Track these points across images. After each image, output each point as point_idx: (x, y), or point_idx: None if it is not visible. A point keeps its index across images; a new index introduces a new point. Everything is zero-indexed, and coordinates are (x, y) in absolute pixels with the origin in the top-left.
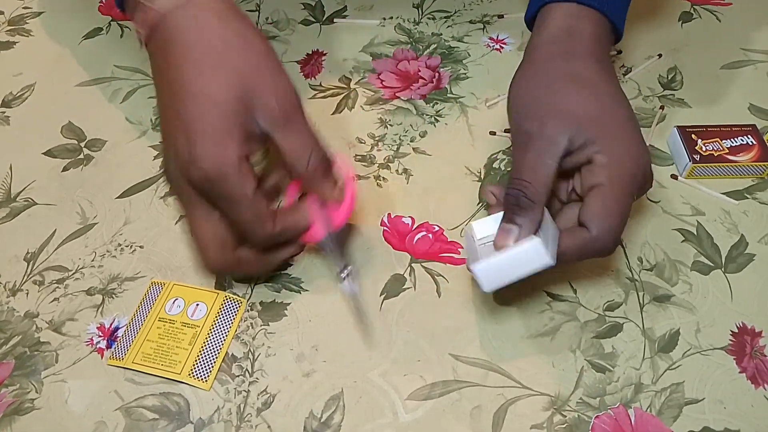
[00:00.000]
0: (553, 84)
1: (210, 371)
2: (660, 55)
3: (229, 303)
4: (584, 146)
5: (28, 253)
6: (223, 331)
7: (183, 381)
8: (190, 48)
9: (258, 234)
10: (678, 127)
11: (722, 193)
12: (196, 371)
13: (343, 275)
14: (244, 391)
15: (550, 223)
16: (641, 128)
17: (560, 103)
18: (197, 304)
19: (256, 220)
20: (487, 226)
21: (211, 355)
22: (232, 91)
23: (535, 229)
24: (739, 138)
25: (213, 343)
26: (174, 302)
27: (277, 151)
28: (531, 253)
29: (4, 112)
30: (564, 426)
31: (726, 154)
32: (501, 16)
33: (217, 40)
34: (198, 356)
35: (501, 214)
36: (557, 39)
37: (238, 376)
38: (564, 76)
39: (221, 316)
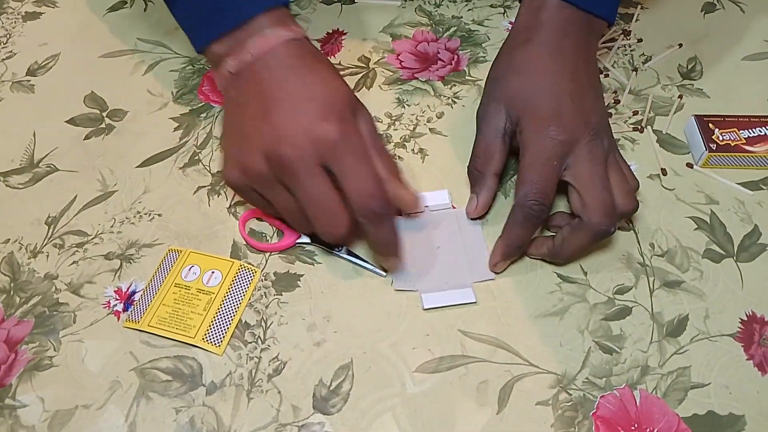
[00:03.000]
0: (500, 71)
1: (223, 337)
2: (681, 45)
3: (244, 272)
4: (518, 124)
5: (49, 217)
6: (237, 299)
7: (197, 345)
8: (272, 92)
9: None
10: (695, 115)
11: (737, 183)
12: (209, 336)
13: (337, 251)
14: (256, 357)
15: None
16: (659, 116)
17: (503, 89)
18: (213, 272)
19: (318, 202)
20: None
21: (224, 321)
22: (308, 134)
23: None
24: (757, 129)
25: (227, 310)
26: (190, 269)
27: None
28: (465, 294)
29: (29, 81)
30: (569, 404)
31: (743, 144)
32: (521, 1)
33: (295, 86)
34: (212, 322)
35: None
36: (523, 28)
37: (250, 342)
38: (511, 66)
39: (236, 284)
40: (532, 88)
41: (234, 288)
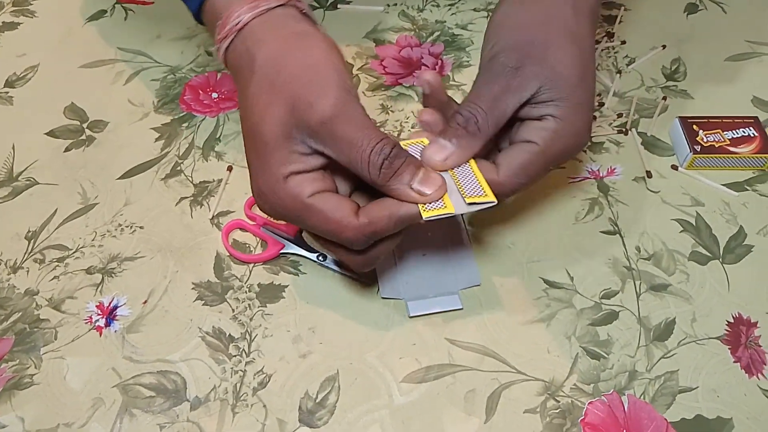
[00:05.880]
0: (551, 33)
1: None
2: (664, 46)
3: None
4: (545, 104)
5: (29, 231)
6: None
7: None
8: (245, 80)
9: (342, 235)
10: (680, 117)
11: (722, 185)
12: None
13: (320, 259)
14: (241, 370)
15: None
16: (643, 119)
17: (550, 56)
18: None
19: (333, 223)
20: None
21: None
22: (276, 120)
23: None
24: (741, 130)
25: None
26: None
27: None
28: (452, 301)
29: (7, 92)
30: (557, 411)
31: (727, 145)
32: None
33: (268, 68)
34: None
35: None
36: None
37: (235, 356)
38: (565, 32)
39: None
40: (583, 79)
41: None
